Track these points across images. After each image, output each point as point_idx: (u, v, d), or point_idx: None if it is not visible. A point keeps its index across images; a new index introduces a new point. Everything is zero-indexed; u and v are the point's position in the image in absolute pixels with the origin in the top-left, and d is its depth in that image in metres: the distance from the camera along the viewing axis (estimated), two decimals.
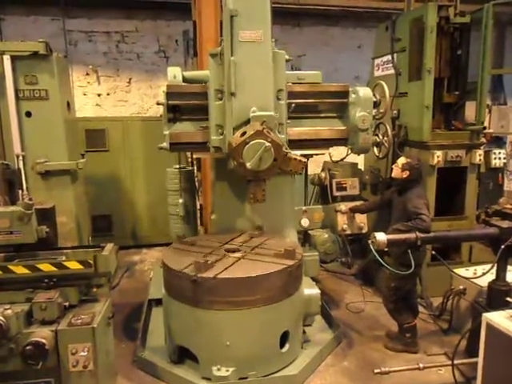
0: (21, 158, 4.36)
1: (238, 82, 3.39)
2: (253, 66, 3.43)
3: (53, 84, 4.44)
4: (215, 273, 3.23)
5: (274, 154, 3.35)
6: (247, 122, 3.43)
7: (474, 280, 3.87)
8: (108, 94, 7.58)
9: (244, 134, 3.33)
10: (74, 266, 2.83)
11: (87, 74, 7.46)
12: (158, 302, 4.25)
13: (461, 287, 4.12)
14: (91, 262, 2.83)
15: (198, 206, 5.38)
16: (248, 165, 3.32)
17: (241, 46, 3.38)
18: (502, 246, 3.45)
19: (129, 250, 6.79)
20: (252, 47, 3.40)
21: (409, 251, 3.54)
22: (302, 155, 4.41)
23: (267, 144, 3.29)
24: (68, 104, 4.89)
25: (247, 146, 3.30)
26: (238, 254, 3.57)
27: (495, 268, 3.60)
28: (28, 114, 4.41)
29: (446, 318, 4.37)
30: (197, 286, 3.22)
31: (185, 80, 3.91)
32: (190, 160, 5.27)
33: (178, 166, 4.77)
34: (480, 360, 2.77)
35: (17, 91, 4.33)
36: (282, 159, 3.43)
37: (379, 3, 7.63)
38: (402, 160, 3.99)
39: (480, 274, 3.76)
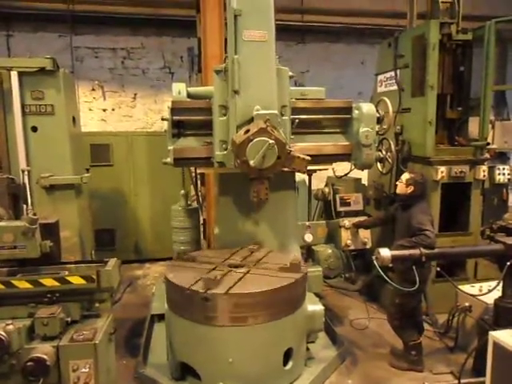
0: (26, 172, 4.39)
1: (242, 80, 3.41)
2: (256, 65, 3.46)
3: (59, 99, 4.49)
4: (220, 289, 3.20)
5: (278, 151, 3.35)
6: (251, 120, 3.45)
7: (480, 297, 3.83)
8: (113, 110, 7.67)
9: (247, 131, 3.34)
10: (76, 280, 2.81)
11: (93, 90, 7.56)
12: (161, 317, 4.23)
13: (466, 304, 4.07)
14: (94, 277, 2.82)
15: (202, 221, 5.39)
16: (251, 162, 3.32)
17: (245, 46, 3.41)
18: (508, 263, 3.42)
19: (132, 265, 6.76)
20: (256, 47, 3.43)
21: (413, 267, 3.51)
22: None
23: (271, 141, 3.29)
24: (74, 119, 4.94)
25: (251, 143, 3.30)
26: (242, 270, 3.55)
27: (501, 285, 3.56)
28: (34, 129, 4.46)
29: (451, 335, 4.31)
30: (201, 302, 3.19)
31: (189, 96, 3.95)
32: (193, 175, 5.29)
33: (183, 204, 4.86)
34: (487, 379, 2.72)
35: (23, 106, 4.38)
36: (286, 157, 3.43)
37: (382, 20, 7.74)
38: (406, 175, 4.00)
39: (486, 291, 3.72)
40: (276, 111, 3.50)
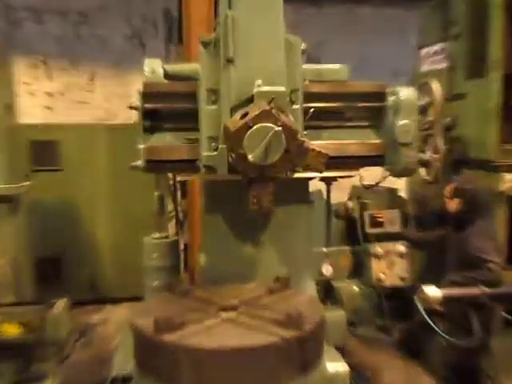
0: None
1: (238, 45, 3.40)
2: (258, 24, 3.45)
3: None
4: (205, 342, 3.17)
5: (286, 142, 3.34)
6: (250, 100, 3.45)
7: None
8: (62, 94, 7.69)
9: (246, 115, 3.34)
10: (10, 330, 2.79)
11: (35, 67, 7.58)
12: (126, 380, 4.18)
13: None
14: (35, 325, 2.79)
15: (182, 246, 5.37)
16: (250, 157, 3.29)
17: None
18: None
19: (86, 307, 6.71)
20: None
21: (471, 312, 3.50)
22: (322, 178, 4.47)
23: (277, 129, 3.28)
24: (7, 106, 4.94)
25: (250, 131, 3.29)
26: (233, 314, 3.53)
27: None
28: None
29: None
30: (180, 359, 3.16)
31: (167, 76, 3.95)
32: (171, 184, 5.29)
33: (157, 236, 4.86)
34: None
35: None
36: (297, 150, 3.42)
37: None
38: (450, 185, 4.01)
39: None
40: (284, 88, 3.50)
